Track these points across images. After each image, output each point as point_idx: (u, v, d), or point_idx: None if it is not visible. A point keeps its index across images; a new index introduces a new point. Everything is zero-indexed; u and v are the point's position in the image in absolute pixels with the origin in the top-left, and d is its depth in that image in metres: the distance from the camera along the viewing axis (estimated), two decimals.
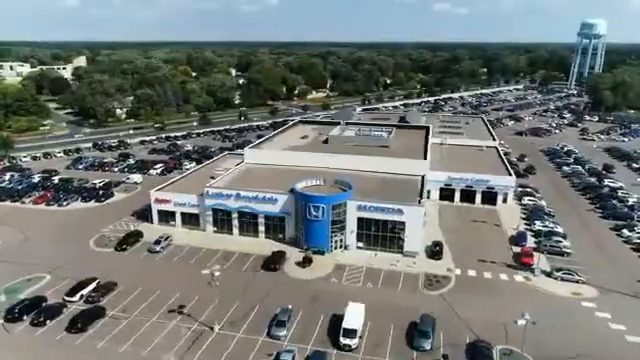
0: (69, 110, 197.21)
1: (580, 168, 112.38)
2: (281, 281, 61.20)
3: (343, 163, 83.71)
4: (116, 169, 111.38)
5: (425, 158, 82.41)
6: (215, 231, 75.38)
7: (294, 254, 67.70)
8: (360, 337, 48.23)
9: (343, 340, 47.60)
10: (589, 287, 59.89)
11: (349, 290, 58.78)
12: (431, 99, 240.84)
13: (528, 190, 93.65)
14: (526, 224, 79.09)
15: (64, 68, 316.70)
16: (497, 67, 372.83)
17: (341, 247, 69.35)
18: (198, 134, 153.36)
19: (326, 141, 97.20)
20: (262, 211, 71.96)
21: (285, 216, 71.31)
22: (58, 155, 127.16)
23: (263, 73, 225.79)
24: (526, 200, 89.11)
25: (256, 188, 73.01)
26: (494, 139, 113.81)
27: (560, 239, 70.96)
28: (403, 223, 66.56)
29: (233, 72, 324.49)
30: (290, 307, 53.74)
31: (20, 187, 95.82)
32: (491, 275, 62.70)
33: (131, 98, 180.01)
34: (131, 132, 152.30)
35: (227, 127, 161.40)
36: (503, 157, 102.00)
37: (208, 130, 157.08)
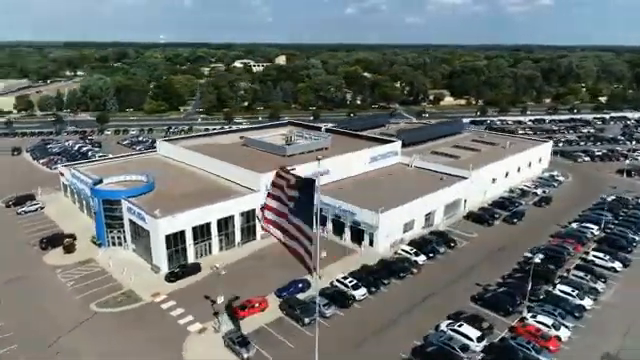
0: None
1: (592, 229, 74.14)
2: (31, 260, 65.26)
3: (208, 166, 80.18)
4: (138, 148, 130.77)
5: (264, 172, 70.75)
6: (79, 208, 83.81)
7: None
8: None
9: None
10: None
11: (47, 283, 59.17)
12: (588, 116, 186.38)
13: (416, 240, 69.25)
14: (343, 278, 59.47)
15: (259, 65, 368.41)
16: None
17: (120, 244, 68.43)
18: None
19: (244, 144, 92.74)
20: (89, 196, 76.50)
21: None
22: (132, 132, 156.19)
23: (383, 74, 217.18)
24: (405, 246, 66.55)
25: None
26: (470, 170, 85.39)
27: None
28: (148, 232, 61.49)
29: None
30: None
31: (58, 151, 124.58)
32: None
33: (242, 92, 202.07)
34: (199, 120, 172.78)
35: None
36: (443, 191, 77.19)
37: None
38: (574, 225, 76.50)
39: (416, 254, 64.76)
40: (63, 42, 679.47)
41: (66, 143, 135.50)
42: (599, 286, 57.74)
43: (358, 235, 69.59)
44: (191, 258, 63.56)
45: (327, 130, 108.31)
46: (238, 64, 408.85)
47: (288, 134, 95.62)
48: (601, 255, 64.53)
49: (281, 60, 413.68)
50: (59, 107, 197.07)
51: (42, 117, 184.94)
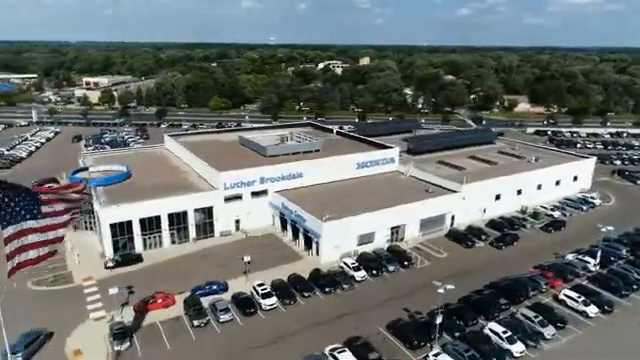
0: None
1: (590, 263, 62.20)
2: None
3: (189, 163, 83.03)
4: None
5: (221, 170, 70.65)
6: None
7: None
8: None
9: None
10: None
11: None
12: None
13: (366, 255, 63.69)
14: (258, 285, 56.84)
15: (339, 67, 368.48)
16: None
17: (91, 229, 73.17)
18: None
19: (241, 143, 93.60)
20: None
21: None
22: (184, 126, 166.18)
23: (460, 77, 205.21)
24: (348, 259, 62.15)
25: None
26: (461, 184, 76.50)
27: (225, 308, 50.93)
28: None
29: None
30: None
31: (108, 140, 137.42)
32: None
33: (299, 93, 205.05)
34: (247, 118, 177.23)
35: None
36: (417, 203, 70.67)
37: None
38: (569, 257, 65.18)
39: (356, 269, 60.09)
40: (182, 43, 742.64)
41: (122, 134, 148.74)
42: (548, 332, 48.45)
43: (309, 242, 66.67)
44: (139, 249, 65.91)
45: (338, 133, 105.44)
46: (322, 65, 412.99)
47: (286, 135, 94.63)
48: (574, 295, 54.15)
49: (365, 61, 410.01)
50: (139, 101, 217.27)
51: (121, 110, 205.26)
